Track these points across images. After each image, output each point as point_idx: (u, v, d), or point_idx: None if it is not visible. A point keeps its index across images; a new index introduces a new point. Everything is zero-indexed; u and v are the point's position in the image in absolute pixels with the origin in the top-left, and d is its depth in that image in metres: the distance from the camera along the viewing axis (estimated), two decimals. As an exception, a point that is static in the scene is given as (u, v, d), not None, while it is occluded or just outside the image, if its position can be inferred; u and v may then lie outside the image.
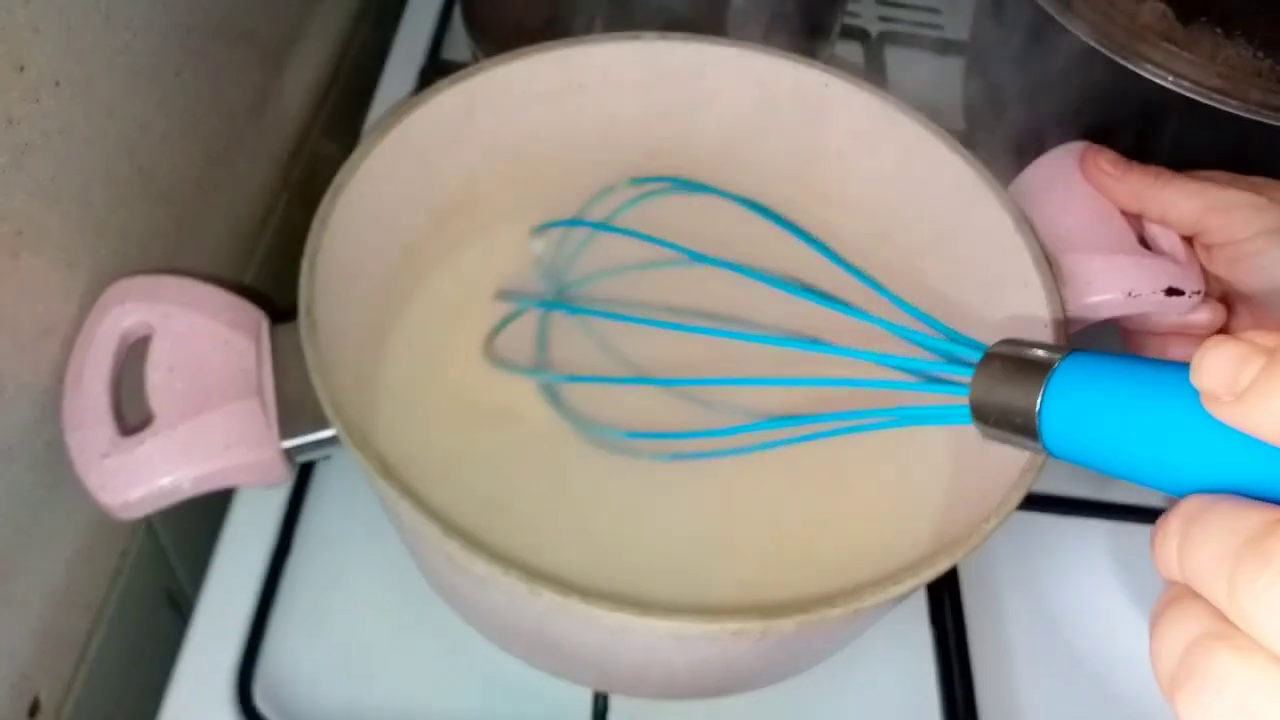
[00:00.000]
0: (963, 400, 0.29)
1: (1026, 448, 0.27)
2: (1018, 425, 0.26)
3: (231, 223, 0.50)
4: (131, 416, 0.35)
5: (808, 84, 0.45)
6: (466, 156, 0.44)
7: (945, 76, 0.65)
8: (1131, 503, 0.46)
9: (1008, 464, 0.35)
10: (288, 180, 0.57)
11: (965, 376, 0.29)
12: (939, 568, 0.31)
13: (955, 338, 0.33)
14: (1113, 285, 0.39)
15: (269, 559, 0.42)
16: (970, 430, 0.29)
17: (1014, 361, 0.27)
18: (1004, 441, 0.28)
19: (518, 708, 0.40)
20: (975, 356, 0.29)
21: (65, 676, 0.40)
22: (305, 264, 0.35)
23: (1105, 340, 0.41)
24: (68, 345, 0.36)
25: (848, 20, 0.65)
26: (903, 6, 0.74)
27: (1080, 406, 0.24)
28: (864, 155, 0.45)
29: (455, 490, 0.37)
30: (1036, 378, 0.25)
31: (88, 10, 0.34)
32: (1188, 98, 0.45)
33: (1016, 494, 0.33)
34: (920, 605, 0.43)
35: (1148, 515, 0.45)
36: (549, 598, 0.29)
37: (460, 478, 0.40)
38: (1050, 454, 0.26)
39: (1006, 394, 0.27)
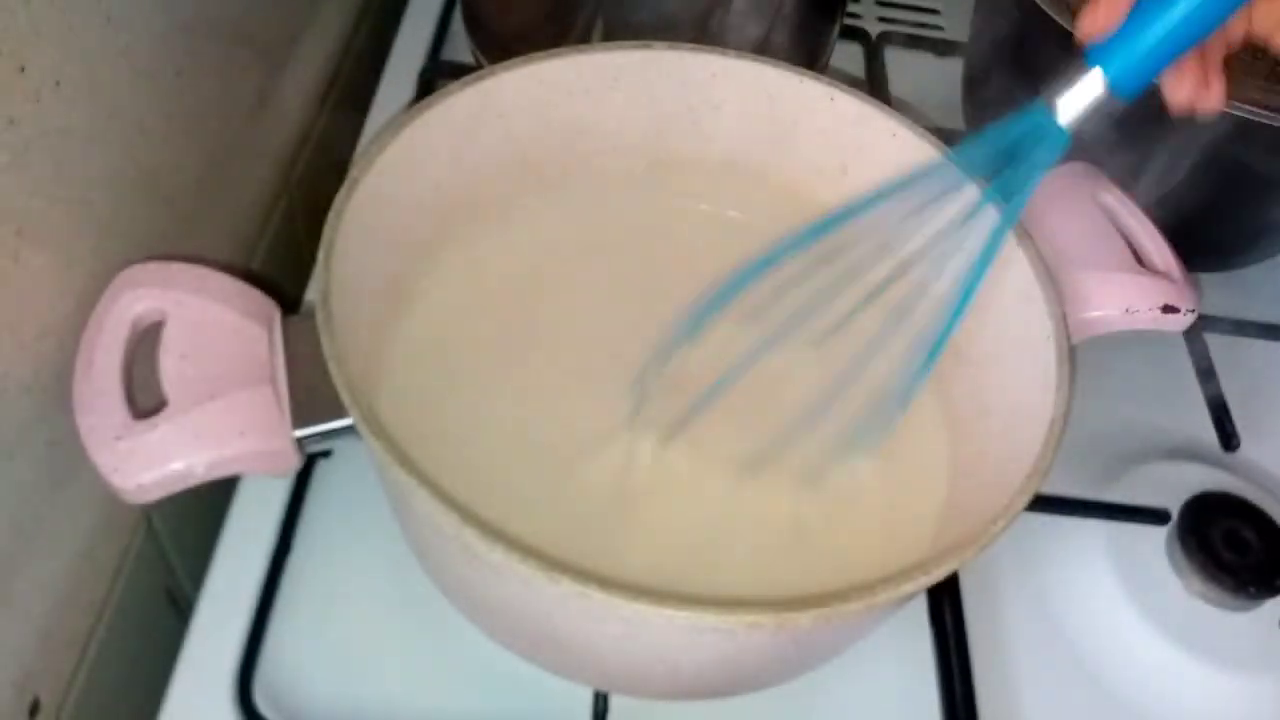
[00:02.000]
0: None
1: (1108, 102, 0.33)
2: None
3: (232, 223, 0.50)
4: (142, 404, 0.35)
5: (814, 98, 0.45)
6: (475, 158, 0.44)
7: (945, 77, 0.65)
8: (1131, 503, 0.46)
9: (1007, 467, 0.35)
10: (288, 181, 0.57)
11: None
12: (949, 566, 0.31)
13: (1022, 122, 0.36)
14: (1111, 301, 0.41)
15: (269, 558, 0.42)
16: (969, 433, 0.30)
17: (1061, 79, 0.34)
18: (1092, 113, 0.34)
19: (518, 707, 0.40)
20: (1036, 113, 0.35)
21: (66, 676, 0.40)
22: (321, 255, 0.36)
23: (1106, 340, 0.42)
24: (68, 345, 0.36)
25: (848, 21, 0.65)
26: (903, 7, 0.74)
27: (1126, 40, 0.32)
28: (867, 169, 0.46)
29: (456, 485, 0.37)
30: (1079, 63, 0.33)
31: (89, 11, 0.35)
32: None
33: (1024, 495, 0.33)
34: (920, 605, 0.43)
35: (1148, 515, 0.45)
36: (567, 586, 0.29)
37: (461, 473, 0.40)
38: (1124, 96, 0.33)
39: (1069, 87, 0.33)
